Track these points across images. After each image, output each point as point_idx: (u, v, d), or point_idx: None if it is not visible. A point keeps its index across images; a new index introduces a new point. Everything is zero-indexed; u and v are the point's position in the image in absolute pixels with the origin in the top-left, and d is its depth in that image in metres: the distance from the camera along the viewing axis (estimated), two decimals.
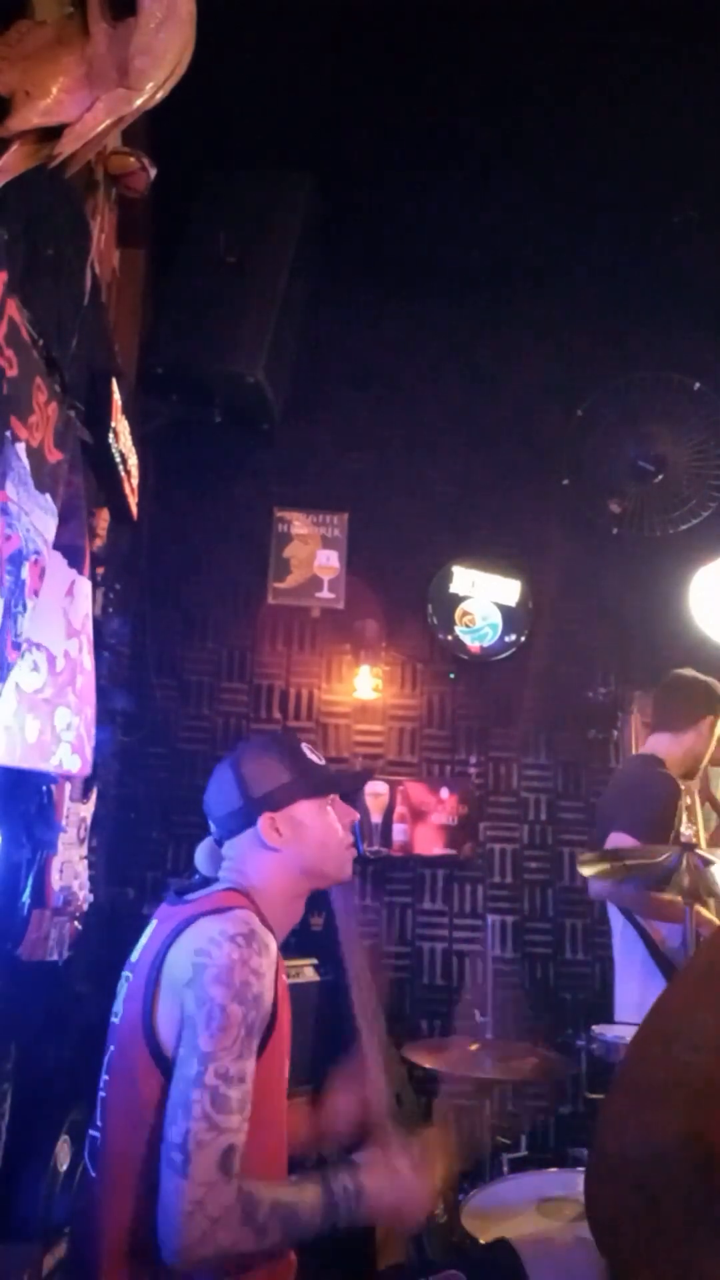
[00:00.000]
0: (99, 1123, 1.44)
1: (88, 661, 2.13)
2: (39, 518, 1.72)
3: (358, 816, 1.65)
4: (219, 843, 1.63)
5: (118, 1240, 1.33)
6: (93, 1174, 1.43)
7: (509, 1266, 1.37)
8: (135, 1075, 1.38)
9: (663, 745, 2.97)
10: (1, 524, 1.53)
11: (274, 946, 1.42)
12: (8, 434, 1.57)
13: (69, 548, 2.03)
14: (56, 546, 1.91)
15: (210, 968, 1.34)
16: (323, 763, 1.64)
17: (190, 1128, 1.25)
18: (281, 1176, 1.46)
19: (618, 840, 2.66)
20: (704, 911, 2.41)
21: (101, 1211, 1.37)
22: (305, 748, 1.64)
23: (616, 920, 2.90)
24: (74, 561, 2.06)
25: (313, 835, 1.57)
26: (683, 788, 2.85)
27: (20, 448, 1.64)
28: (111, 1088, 1.44)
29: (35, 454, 1.71)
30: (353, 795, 1.81)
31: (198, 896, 1.52)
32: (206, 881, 1.59)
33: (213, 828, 1.63)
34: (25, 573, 1.62)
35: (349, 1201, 1.33)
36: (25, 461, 1.66)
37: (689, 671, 3.04)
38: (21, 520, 1.61)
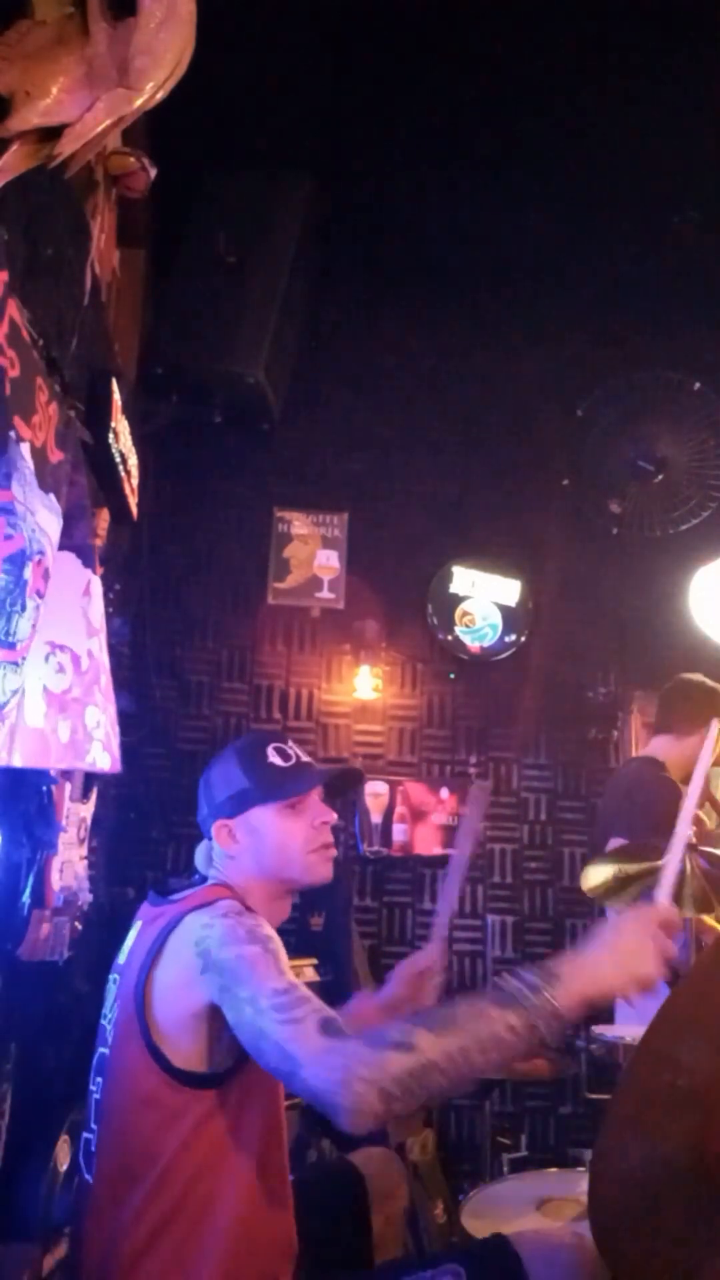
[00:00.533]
0: (93, 1125, 1.44)
1: (107, 660, 2.13)
2: (45, 518, 1.72)
3: (334, 818, 1.60)
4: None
5: (114, 1243, 1.33)
6: (87, 1178, 1.42)
7: (506, 1260, 1.37)
8: (132, 1075, 1.38)
9: (664, 748, 2.97)
10: (3, 524, 1.53)
11: (267, 924, 1.41)
12: (12, 434, 1.57)
13: (81, 548, 2.03)
14: (69, 547, 1.91)
15: (212, 941, 1.34)
16: (290, 763, 1.59)
17: (274, 1039, 1.22)
18: (284, 1167, 1.46)
19: (618, 845, 2.65)
20: (707, 920, 2.41)
21: (97, 1214, 1.37)
22: (272, 749, 1.60)
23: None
24: (88, 561, 2.06)
25: (269, 841, 1.54)
26: (683, 790, 2.85)
27: (25, 448, 1.64)
28: (106, 1089, 1.43)
29: (39, 454, 1.71)
30: (339, 793, 1.79)
31: (181, 896, 1.52)
32: (198, 882, 1.59)
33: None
34: (28, 573, 1.61)
35: (526, 978, 1.22)
36: (30, 461, 1.66)
37: (696, 676, 3.04)
38: (26, 520, 1.60)
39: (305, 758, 1.63)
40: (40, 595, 1.66)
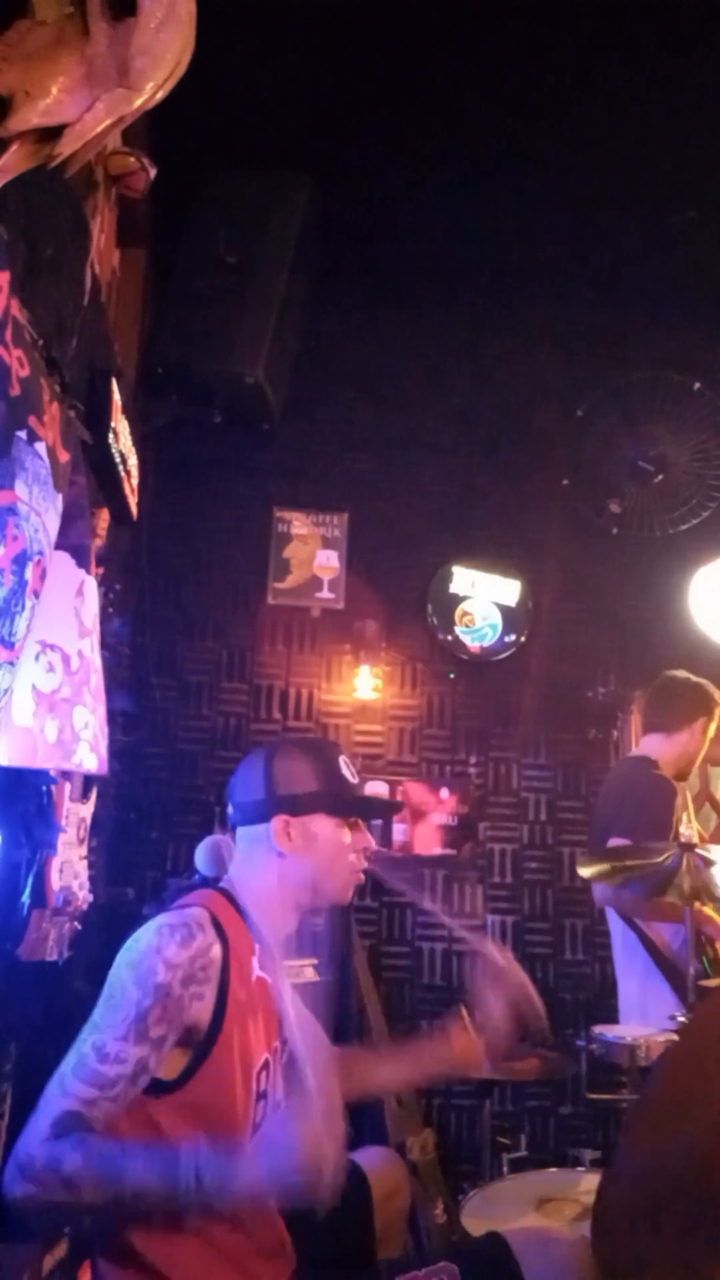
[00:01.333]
0: None
1: (99, 661, 2.13)
2: (50, 518, 1.72)
3: (375, 846, 1.62)
4: (233, 828, 1.63)
5: (110, 1238, 1.35)
6: None
7: (500, 1259, 1.36)
8: None
9: (656, 746, 2.98)
10: (10, 524, 1.53)
11: (210, 947, 1.38)
12: (22, 434, 1.57)
13: (76, 548, 2.03)
14: (64, 547, 1.91)
15: (129, 951, 1.36)
16: (356, 782, 1.62)
17: (49, 1084, 1.28)
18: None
19: (619, 844, 2.65)
20: (708, 910, 2.41)
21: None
22: (343, 762, 1.62)
23: (616, 925, 2.91)
24: (82, 561, 2.06)
25: (322, 850, 1.55)
26: (678, 788, 2.86)
27: (40, 447, 1.64)
28: None
29: (52, 453, 1.71)
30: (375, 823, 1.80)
31: (183, 898, 1.52)
32: (200, 883, 1.59)
33: (230, 811, 1.63)
34: (28, 573, 1.61)
35: (204, 1166, 1.19)
36: (45, 461, 1.66)
37: (681, 673, 3.07)
38: (30, 520, 1.60)
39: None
40: (37, 595, 1.66)
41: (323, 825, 1.56)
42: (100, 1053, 1.28)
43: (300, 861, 1.54)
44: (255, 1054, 1.46)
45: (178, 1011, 1.33)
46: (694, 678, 3.03)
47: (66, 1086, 1.27)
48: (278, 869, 1.55)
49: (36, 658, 1.71)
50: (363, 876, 1.61)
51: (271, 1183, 1.21)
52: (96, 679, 2.07)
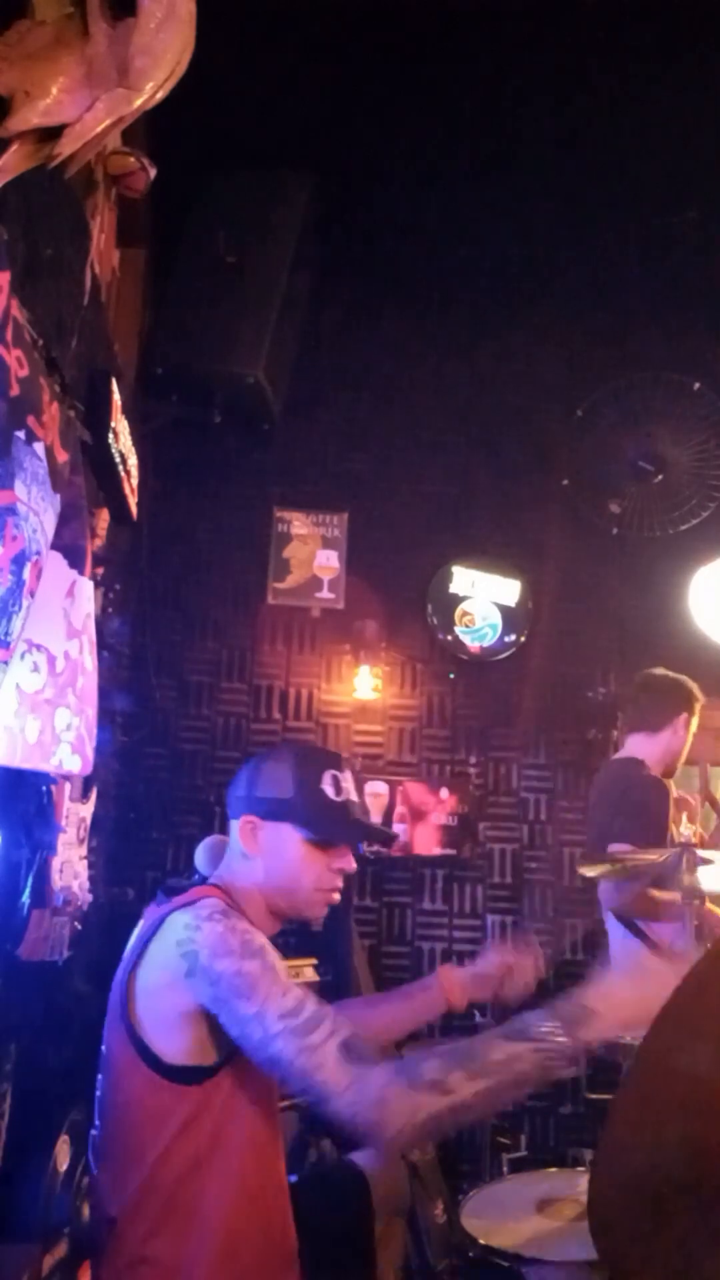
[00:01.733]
0: (96, 1121, 1.46)
1: (89, 662, 2.12)
2: (49, 518, 1.72)
3: (353, 869, 1.57)
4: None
5: (119, 1233, 1.35)
6: (94, 1170, 1.44)
7: None
8: (122, 1072, 1.39)
9: (641, 746, 2.99)
10: (9, 524, 1.53)
11: (250, 925, 1.40)
12: (21, 434, 1.57)
13: (70, 548, 2.02)
14: (58, 547, 1.90)
15: (202, 950, 1.32)
16: (340, 799, 1.54)
17: (296, 1069, 1.23)
18: (278, 1167, 1.46)
19: (621, 850, 2.64)
20: (712, 907, 2.42)
21: (104, 1206, 1.39)
22: (329, 776, 1.55)
23: (615, 930, 2.90)
24: (75, 562, 2.05)
25: (285, 863, 1.51)
26: (670, 786, 2.88)
27: (39, 447, 1.64)
28: (104, 1086, 1.45)
29: (50, 453, 1.71)
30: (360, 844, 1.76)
31: (180, 897, 1.52)
32: (199, 881, 1.59)
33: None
34: (26, 573, 1.62)
35: (563, 1017, 1.24)
36: (44, 461, 1.66)
37: (660, 670, 3.07)
38: (29, 520, 1.60)
39: (354, 796, 1.59)
40: (32, 595, 1.66)
41: (289, 835, 1.52)
42: (290, 1013, 1.25)
43: (264, 866, 1.52)
44: None
45: (277, 955, 1.34)
46: (672, 674, 3.03)
47: (311, 1045, 1.22)
48: (248, 870, 1.53)
49: (22, 656, 1.70)
50: (337, 897, 1.55)
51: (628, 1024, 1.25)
52: (84, 681, 2.07)
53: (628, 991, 1.29)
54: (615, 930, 2.91)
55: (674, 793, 2.92)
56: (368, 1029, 1.65)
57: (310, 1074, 1.21)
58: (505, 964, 1.73)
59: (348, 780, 1.59)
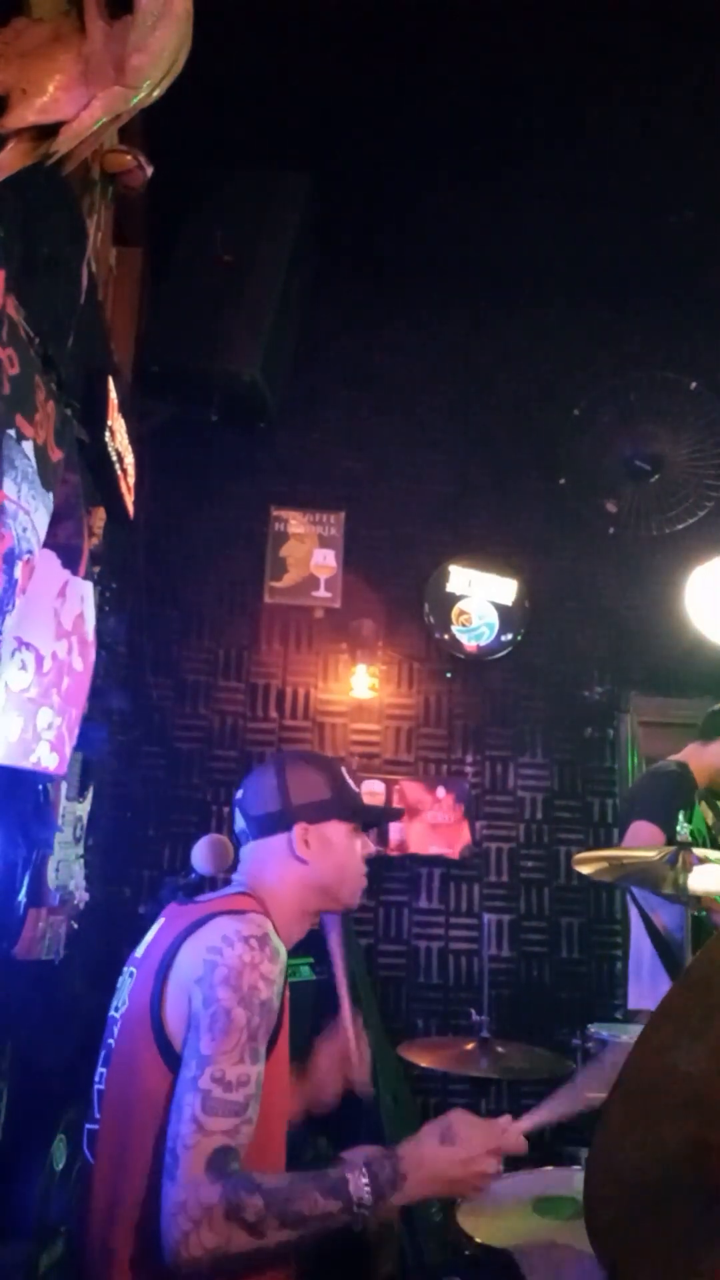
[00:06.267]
0: (96, 1115, 1.45)
1: (77, 663, 2.12)
2: (40, 516, 1.72)
3: (377, 851, 1.69)
4: (240, 842, 1.65)
5: (114, 1228, 1.34)
6: (91, 1161, 1.43)
7: (506, 1273, 1.37)
8: (139, 1069, 1.38)
9: (691, 752, 3.12)
10: None
11: (284, 954, 1.43)
12: (11, 432, 1.57)
13: (64, 547, 2.02)
14: (52, 546, 1.90)
15: (220, 967, 1.33)
16: (359, 791, 1.68)
17: (180, 1130, 1.25)
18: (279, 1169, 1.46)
19: (638, 828, 2.82)
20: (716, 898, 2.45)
21: (99, 1200, 1.38)
22: (347, 772, 1.68)
23: (632, 910, 3.02)
24: (68, 561, 2.05)
25: (337, 856, 1.59)
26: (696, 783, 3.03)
27: (27, 445, 1.64)
28: (111, 1080, 1.44)
29: (40, 452, 1.71)
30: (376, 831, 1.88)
31: (211, 897, 1.53)
32: (198, 881, 1.60)
33: (241, 824, 1.65)
34: (18, 572, 1.61)
35: (381, 1184, 1.27)
36: (32, 459, 1.66)
37: None
38: (18, 519, 1.60)
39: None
40: (23, 593, 1.66)
41: (336, 831, 1.60)
42: (223, 1083, 1.27)
43: (318, 867, 1.58)
44: (287, 1048, 1.50)
45: (274, 1022, 1.36)
46: None
47: (204, 1125, 1.24)
48: (298, 876, 1.58)
49: (12, 654, 1.70)
50: (366, 881, 1.65)
51: (435, 1185, 1.33)
52: (69, 681, 2.06)
53: (440, 1155, 1.34)
54: (632, 910, 2.97)
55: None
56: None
57: (182, 1141, 1.23)
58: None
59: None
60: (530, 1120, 1.47)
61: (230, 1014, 1.30)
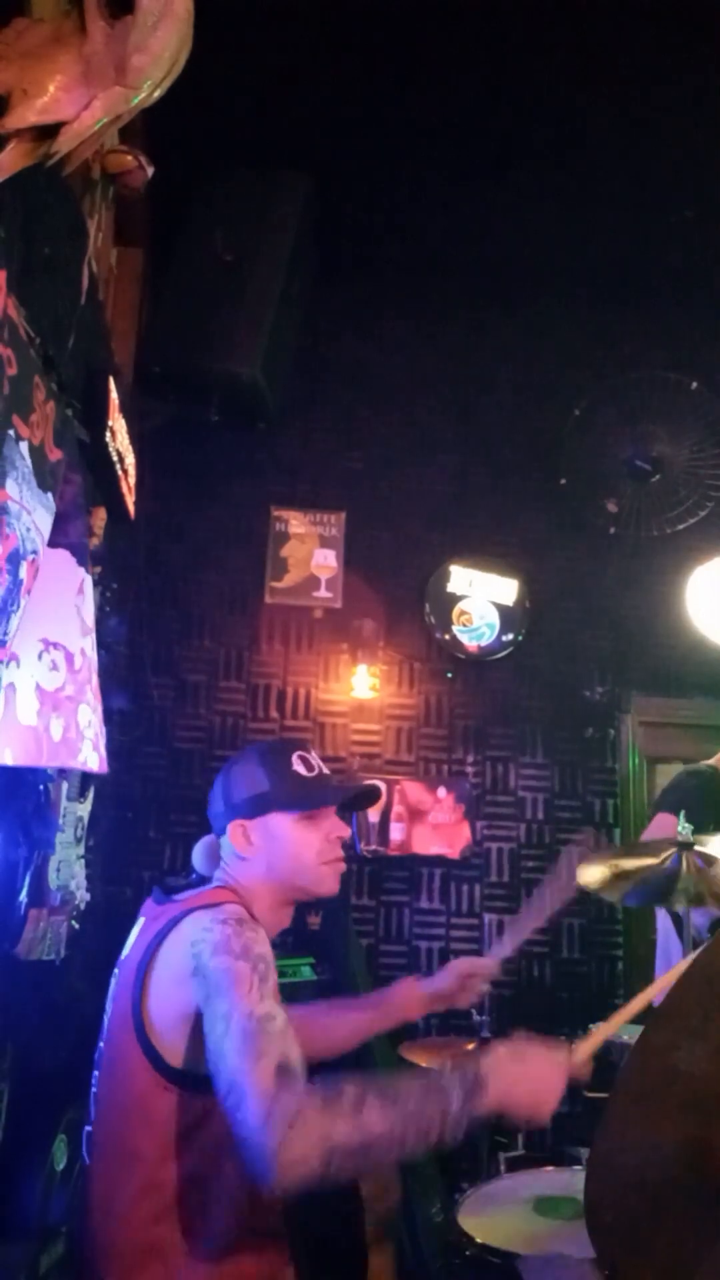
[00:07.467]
0: (92, 1116, 1.45)
1: (95, 659, 2.13)
2: (40, 517, 1.72)
3: (348, 833, 1.60)
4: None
5: (112, 1228, 1.35)
6: (88, 1162, 1.44)
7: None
8: (126, 1071, 1.38)
9: None
10: (2, 523, 1.53)
11: (264, 935, 1.40)
12: (11, 433, 1.57)
13: (77, 546, 2.03)
14: (65, 545, 1.91)
15: (208, 947, 1.32)
16: (313, 774, 1.58)
17: (230, 1068, 1.20)
18: None
19: (662, 819, 2.84)
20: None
21: (96, 1202, 1.39)
22: (297, 758, 1.59)
23: (660, 909, 3.06)
24: (83, 560, 2.06)
25: (284, 848, 1.54)
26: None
27: (24, 446, 1.64)
28: (101, 1083, 1.44)
29: (37, 452, 1.71)
30: (353, 808, 1.80)
31: (187, 895, 1.52)
32: (197, 881, 1.59)
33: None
34: (23, 572, 1.61)
35: (466, 1086, 1.24)
36: (29, 460, 1.66)
37: None
38: (21, 519, 1.60)
39: (326, 770, 1.63)
40: (29, 594, 1.66)
41: (279, 822, 1.54)
42: (255, 1019, 1.23)
43: (265, 862, 1.54)
44: None
45: (277, 982, 1.33)
46: None
47: (256, 1050, 1.19)
48: (250, 871, 1.55)
49: (40, 656, 1.71)
50: (343, 865, 1.59)
51: (510, 1098, 1.28)
52: (96, 677, 2.08)
53: (512, 1070, 1.31)
54: (663, 922, 2.98)
55: None
56: (329, 1032, 1.72)
57: (239, 1073, 1.18)
58: (462, 977, 1.81)
59: (315, 758, 1.62)
60: (588, 1044, 1.41)
61: (230, 970, 1.28)
